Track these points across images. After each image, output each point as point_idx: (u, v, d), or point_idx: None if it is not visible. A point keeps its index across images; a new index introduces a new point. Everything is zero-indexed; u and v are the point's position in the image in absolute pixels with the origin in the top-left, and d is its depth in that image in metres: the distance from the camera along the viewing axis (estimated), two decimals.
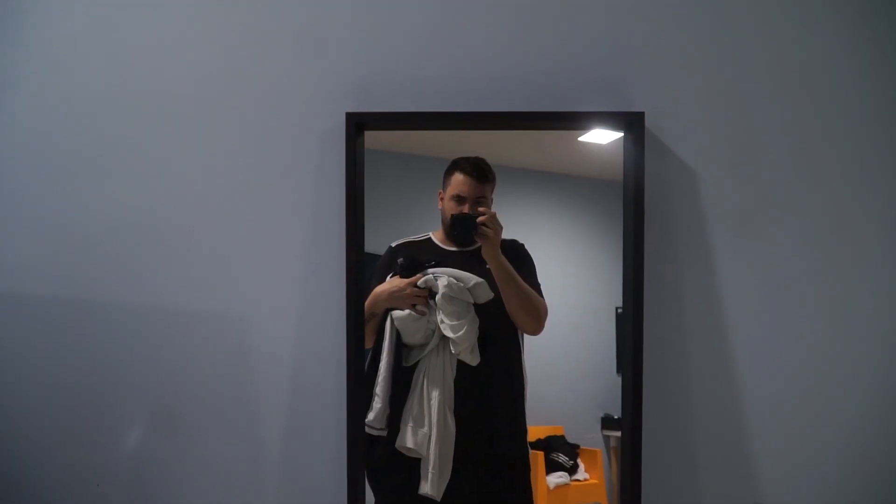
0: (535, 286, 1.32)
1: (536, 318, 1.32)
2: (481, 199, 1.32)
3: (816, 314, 1.34)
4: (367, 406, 1.31)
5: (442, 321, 1.31)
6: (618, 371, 1.32)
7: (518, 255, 1.33)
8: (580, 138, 1.34)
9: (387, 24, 1.35)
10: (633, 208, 1.28)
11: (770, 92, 1.34)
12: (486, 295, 1.31)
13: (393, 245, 1.36)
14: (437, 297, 1.31)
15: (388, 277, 1.34)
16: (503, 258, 1.31)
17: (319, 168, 1.34)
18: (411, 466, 1.29)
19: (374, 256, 1.34)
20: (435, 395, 1.30)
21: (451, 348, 1.30)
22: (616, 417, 1.33)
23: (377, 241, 1.34)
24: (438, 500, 1.28)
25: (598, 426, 1.39)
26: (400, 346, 1.32)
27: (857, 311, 1.34)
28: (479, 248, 1.31)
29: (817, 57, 1.34)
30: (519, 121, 1.32)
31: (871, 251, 1.34)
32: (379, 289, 1.33)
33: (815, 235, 1.34)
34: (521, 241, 1.34)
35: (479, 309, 1.31)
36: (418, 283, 1.32)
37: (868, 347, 1.34)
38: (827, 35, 1.34)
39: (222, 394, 1.36)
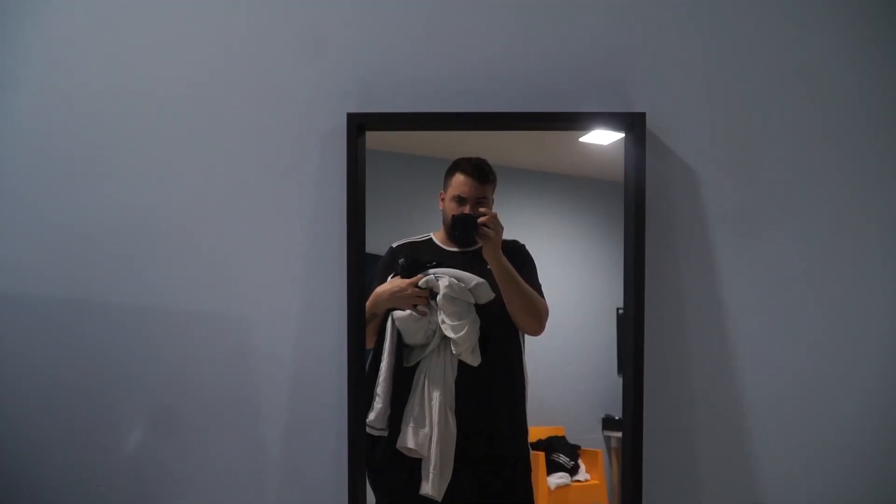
0: (536, 287, 1.32)
1: (537, 318, 1.32)
2: (482, 200, 1.32)
3: (816, 314, 1.35)
4: (368, 406, 1.31)
5: (443, 321, 1.30)
6: (619, 372, 1.32)
7: (519, 256, 1.33)
8: (581, 139, 1.34)
9: (388, 24, 1.35)
10: (634, 209, 1.28)
11: (770, 92, 1.34)
12: (487, 295, 1.31)
13: (394, 245, 1.36)
14: (438, 298, 1.31)
15: (389, 278, 1.34)
16: (504, 259, 1.31)
17: (320, 168, 1.34)
18: (412, 467, 1.29)
19: (374, 257, 1.34)
20: (436, 395, 1.30)
21: (452, 349, 1.30)
22: (617, 418, 1.32)
23: (378, 242, 1.34)
24: (439, 500, 1.28)
25: (599, 427, 1.39)
26: (401, 347, 1.32)
27: (857, 311, 1.35)
28: (480, 248, 1.31)
29: (817, 57, 1.34)
30: (520, 121, 1.32)
31: (871, 251, 1.35)
32: (380, 289, 1.33)
33: (815, 235, 1.35)
34: (521, 242, 1.34)
35: (480, 309, 1.31)
36: (419, 283, 1.32)
37: (868, 347, 1.35)
38: (827, 35, 1.34)
39: (223, 394, 1.36)
